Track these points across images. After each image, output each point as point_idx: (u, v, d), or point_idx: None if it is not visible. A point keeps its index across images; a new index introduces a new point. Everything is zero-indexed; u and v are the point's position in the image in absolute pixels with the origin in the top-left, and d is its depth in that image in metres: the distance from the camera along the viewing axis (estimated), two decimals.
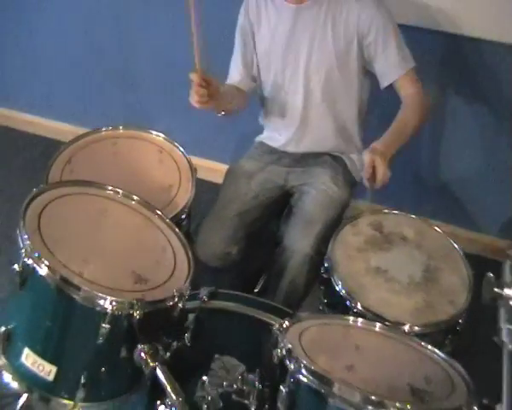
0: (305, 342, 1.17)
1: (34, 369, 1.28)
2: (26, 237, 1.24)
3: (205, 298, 1.55)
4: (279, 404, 1.08)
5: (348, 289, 1.56)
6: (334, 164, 1.96)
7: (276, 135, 2.03)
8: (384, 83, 1.82)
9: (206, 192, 2.00)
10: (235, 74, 1.97)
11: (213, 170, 2.69)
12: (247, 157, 2.05)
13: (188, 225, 1.82)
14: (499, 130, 2.43)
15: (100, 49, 2.93)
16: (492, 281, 0.88)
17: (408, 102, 1.79)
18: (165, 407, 1.24)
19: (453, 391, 1.13)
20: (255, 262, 2.05)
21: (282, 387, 1.08)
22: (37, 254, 1.22)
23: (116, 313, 1.21)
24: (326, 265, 1.66)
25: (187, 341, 1.38)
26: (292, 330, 1.21)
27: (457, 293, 1.63)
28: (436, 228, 1.80)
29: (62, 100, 3.16)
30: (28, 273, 1.23)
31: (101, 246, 1.36)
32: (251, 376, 1.19)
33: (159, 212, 1.51)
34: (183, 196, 1.77)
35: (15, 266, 1.24)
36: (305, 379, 1.06)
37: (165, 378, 1.25)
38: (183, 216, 1.73)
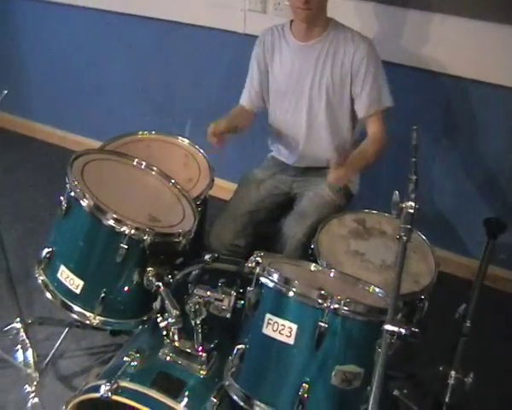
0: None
1: (66, 283, 1.64)
2: (72, 178, 1.63)
3: (208, 260, 1.88)
4: (248, 296, 1.40)
5: (328, 265, 1.86)
6: None
7: (282, 151, 2.40)
8: (359, 116, 2.19)
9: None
10: (247, 96, 2.36)
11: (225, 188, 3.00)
12: (260, 167, 2.41)
13: (203, 213, 2.16)
14: (479, 163, 2.68)
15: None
16: (398, 199, 1.20)
17: (370, 139, 2.15)
18: (164, 319, 1.55)
19: None
20: None
21: (248, 288, 1.41)
22: (79, 189, 1.60)
23: (132, 235, 1.57)
24: (312, 246, 1.96)
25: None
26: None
27: (423, 276, 1.90)
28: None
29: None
30: (71, 203, 1.62)
31: (127, 194, 1.76)
32: (227, 288, 1.52)
33: (173, 180, 1.90)
34: (200, 187, 2.13)
35: (61, 198, 1.62)
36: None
37: (166, 296, 1.58)
38: (198, 202, 2.07)
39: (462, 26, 2.39)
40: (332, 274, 1.64)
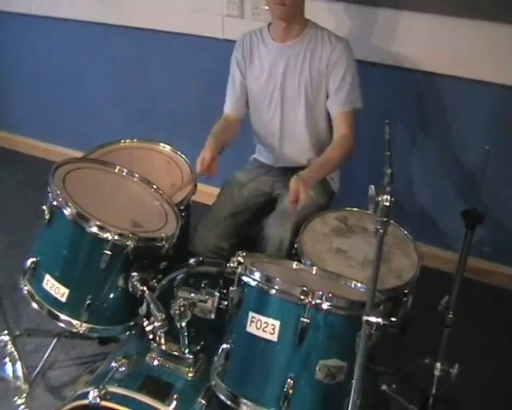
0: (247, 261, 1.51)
1: (52, 292, 1.65)
2: (54, 187, 1.64)
3: (193, 265, 1.90)
4: (231, 296, 1.42)
5: (311, 263, 1.88)
6: None
7: (263, 153, 2.43)
8: (331, 113, 2.21)
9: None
10: (232, 103, 2.37)
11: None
12: (242, 170, 2.43)
13: (186, 218, 2.18)
14: (455, 156, 2.72)
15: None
16: (374, 193, 1.22)
17: (337, 142, 2.17)
18: (149, 323, 1.57)
19: None
20: None
21: (231, 288, 1.43)
22: (61, 198, 1.62)
23: (116, 241, 1.58)
24: (296, 246, 1.98)
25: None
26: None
27: (405, 271, 1.92)
28: (393, 223, 2.11)
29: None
30: (54, 213, 1.63)
31: (109, 201, 1.78)
32: (211, 289, 1.54)
33: (154, 186, 1.92)
34: (183, 192, 2.15)
35: (44, 207, 1.64)
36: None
37: (151, 300, 1.60)
38: (182, 207, 2.09)
39: (431, 22, 2.43)
40: (314, 272, 1.67)
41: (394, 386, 2.09)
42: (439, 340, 1.84)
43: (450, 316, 1.73)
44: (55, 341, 2.24)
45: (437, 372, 1.81)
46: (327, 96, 2.21)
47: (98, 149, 2.23)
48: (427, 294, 1.87)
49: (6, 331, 2.10)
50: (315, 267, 1.69)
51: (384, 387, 2.02)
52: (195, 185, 2.23)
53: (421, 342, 1.98)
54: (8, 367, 2.08)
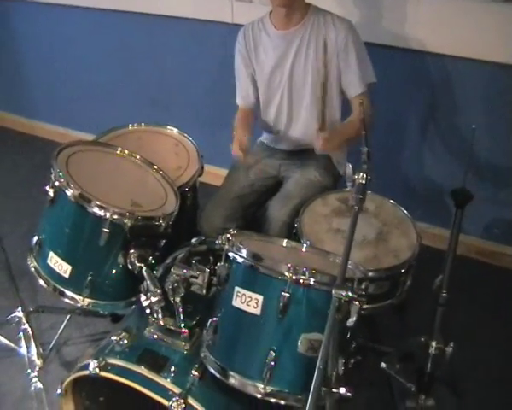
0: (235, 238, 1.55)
1: (56, 268, 1.73)
2: (57, 168, 1.72)
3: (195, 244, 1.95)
4: (218, 272, 1.47)
5: (310, 243, 1.91)
6: (319, 157, 2.32)
7: (270, 136, 2.46)
8: (349, 94, 2.23)
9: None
10: (240, 94, 2.41)
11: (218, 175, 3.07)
12: (249, 153, 2.47)
13: (193, 199, 2.24)
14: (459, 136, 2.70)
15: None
16: (351, 171, 1.26)
17: (357, 113, 2.19)
18: (146, 298, 1.63)
19: None
20: None
21: (219, 263, 1.48)
22: (63, 180, 1.69)
23: (114, 220, 1.65)
24: (296, 226, 2.02)
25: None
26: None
27: (403, 250, 1.95)
28: (391, 201, 2.13)
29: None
30: (57, 193, 1.71)
31: (110, 182, 1.85)
32: (202, 266, 1.59)
33: (156, 166, 1.97)
34: (189, 174, 2.20)
35: (47, 188, 1.71)
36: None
37: (148, 276, 1.66)
38: (187, 189, 2.15)
39: (439, 3, 2.43)
40: (304, 249, 1.70)
41: (398, 366, 2.11)
42: (433, 319, 1.85)
43: (444, 295, 1.74)
44: (67, 318, 2.34)
45: (432, 351, 1.82)
46: (337, 78, 2.22)
47: (107, 134, 2.31)
48: (425, 272, 1.89)
49: (20, 308, 2.20)
50: (304, 245, 1.73)
51: (383, 365, 2.04)
52: (202, 167, 2.29)
53: (419, 321, 2.00)
54: (22, 342, 2.17)
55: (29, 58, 3.95)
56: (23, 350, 2.17)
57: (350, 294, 1.14)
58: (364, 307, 1.62)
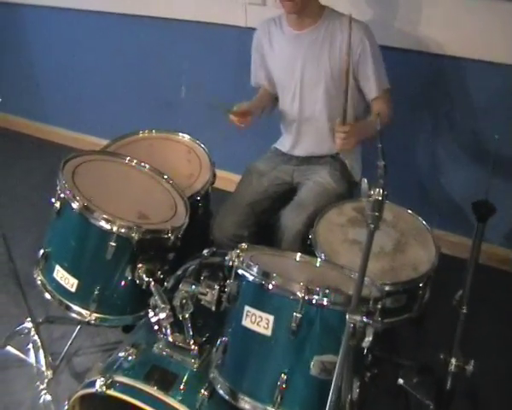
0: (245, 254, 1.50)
1: (62, 282, 1.69)
2: (63, 180, 1.67)
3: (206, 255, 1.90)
4: (227, 289, 1.41)
5: (325, 254, 1.85)
6: (334, 163, 2.28)
7: (284, 140, 2.41)
8: (369, 97, 2.19)
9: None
10: (253, 75, 2.41)
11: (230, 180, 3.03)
12: (262, 159, 2.42)
13: (204, 208, 2.19)
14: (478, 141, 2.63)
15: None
16: (367, 186, 1.19)
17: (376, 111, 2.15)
18: (154, 314, 1.58)
19: None
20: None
21: (228, 281, 1.42)
22: (69, 191, 1.64)
23: (120, 234, 1.60)
24: (310, 236, 1.95)
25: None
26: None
27: (421, 263, 1.87)
28: (409, 211, 2.05)
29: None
30: (62, 205, 1.66)
31: (117, 193, 1.80)
32: (211, 282, 1.54)
33: (165, 176, 1.92)
34: (201, 182, 2.15)
35: (53, 200, 1.67)
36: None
37: (156, 292, 1.61)
38: (198, 198, 2.10)
39: (456, 5, 2.37)
40: (318, 264, 1.64)
41: (415, 380, 2.04)
42: (452, 335, 1.78)
43: (464, 311, 1.66)
44: (78, 328, 2.30)
45: (452, 369, 1.75)
46: (354, 82, 2.16)
47: (118, 141, 2.26)
48: (448, 282, 1.81)
49: (29, 318, 2.16)
50: (318, 259, 1.66)
51: (401, 381, 1.97)
52: (214, 175, 2.24)
53: (441, 332, 1.93)
54: (32, 353, 2.14)
55: (41, 63, 3.94)
56: (32, 361, 2.14)
57: (365, 319, 1.07)
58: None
